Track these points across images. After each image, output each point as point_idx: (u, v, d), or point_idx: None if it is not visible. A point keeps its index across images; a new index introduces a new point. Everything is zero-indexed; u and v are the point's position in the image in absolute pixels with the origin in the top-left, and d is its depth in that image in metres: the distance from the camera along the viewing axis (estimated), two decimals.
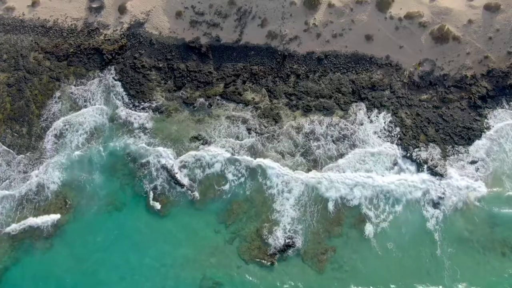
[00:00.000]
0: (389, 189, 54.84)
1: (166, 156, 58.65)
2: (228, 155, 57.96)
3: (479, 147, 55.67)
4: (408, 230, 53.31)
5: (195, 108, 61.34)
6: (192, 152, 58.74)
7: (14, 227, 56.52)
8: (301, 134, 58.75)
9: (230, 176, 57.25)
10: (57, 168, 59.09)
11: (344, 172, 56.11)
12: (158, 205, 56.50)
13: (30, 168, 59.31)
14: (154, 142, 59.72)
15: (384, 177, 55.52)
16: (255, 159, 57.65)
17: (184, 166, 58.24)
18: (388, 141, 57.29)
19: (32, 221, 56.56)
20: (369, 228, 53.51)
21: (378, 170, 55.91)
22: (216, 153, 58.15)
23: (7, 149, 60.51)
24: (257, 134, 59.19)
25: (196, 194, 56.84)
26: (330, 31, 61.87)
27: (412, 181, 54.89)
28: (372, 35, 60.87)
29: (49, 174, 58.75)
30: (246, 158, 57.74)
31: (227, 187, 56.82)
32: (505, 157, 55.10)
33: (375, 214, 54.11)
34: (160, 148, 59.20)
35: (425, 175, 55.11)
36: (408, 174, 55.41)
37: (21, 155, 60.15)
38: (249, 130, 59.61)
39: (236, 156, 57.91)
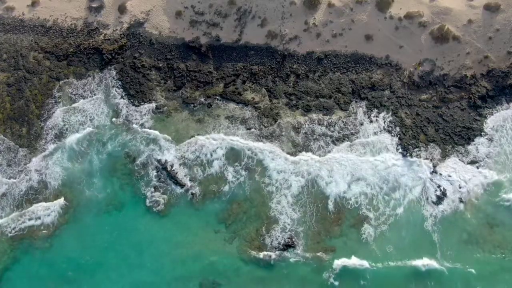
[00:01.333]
0: (388, 186, 54.87)
1: (165, 141, 58.97)
2: (230, 139, 58.32)
3: (479, 146, 55.64)
4: (408, 230, 53.30)
5: (195, 108, 61.30)
6: (193, 139, 58.86)
7: (15, 217, 57.08)
8: (301, 134, 58.70)
9: (229, 177, 57.21)
10: (57, 165, 59.27)
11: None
12: (157, 205, 56.52)
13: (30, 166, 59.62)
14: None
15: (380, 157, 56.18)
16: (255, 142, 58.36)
17: (184, 164, 58.24)
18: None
19: (34, 208, 57.38)
20: (368, 229, 53.53)
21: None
22: (215, 146, 58.38)
23: (10, 141, 60.69)
24: (257, 134, 59.16)
25: (196, 194, 56.86)
26: (330, 31, 61.80)
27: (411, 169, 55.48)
28: (372, 35, 60.80)
29: (50, 170, 58.96)
30: (249, 143, 58.02)
31: (226, 187, 56.80)
32: (506, 158, 55.03)
33: (375, 216, 54.10)
34: (159, 134, 59.44)
35: (424, 173, 55.26)
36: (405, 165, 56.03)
37: (24, 148, 60.46)
38: (248, 129, 59.59)
39: (235, 140, 58.18)
